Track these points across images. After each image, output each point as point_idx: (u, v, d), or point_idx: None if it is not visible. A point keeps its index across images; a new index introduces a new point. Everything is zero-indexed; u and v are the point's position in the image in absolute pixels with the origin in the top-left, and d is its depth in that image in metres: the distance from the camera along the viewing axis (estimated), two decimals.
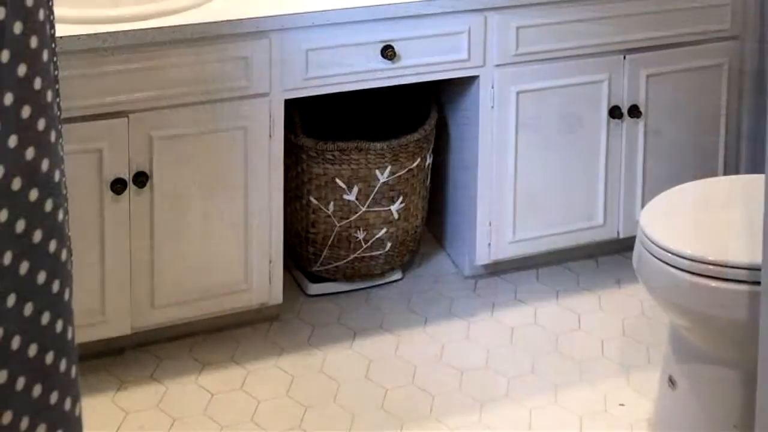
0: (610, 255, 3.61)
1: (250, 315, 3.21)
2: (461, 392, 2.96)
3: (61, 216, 1.38)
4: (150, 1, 3.09)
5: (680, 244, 2.51)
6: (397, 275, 3.48)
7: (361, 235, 3.29)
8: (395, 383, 2.99)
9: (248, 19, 2.96)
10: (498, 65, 3.27)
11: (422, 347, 3.15)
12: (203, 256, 3.03)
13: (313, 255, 3.33)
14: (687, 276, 2.48)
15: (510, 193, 3.35)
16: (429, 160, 3.41)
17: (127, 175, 2.90)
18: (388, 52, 3.11)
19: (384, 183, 3.27)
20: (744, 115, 3.57)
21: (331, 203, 3.26)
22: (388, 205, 3.30)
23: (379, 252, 3.33)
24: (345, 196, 3.25)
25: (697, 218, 2.68)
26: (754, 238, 2.38)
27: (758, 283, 2.23)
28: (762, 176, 2.16)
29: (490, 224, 3.35)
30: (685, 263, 2.48)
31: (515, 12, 3.25)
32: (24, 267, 1.30)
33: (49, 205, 1.34)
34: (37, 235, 1.32)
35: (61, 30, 2.71)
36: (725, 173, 3.56)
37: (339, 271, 3.35)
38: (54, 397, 1.35)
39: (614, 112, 3.40)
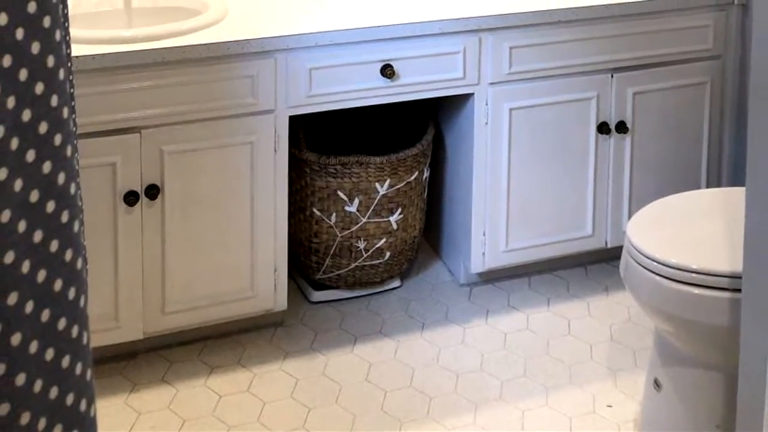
0: (598, 264, 3.61)
1: (256, 321, 3.21)
2: (457, 394, 2.96)
3: (76, 226, 1.38)
4: (161, 22, 3.10)
5: (665, 254, 2.51)
6: (396, 283, 3.48)
7: (361, 245, 3.29)
8: (394, 386, 2.99)
9: (255, 39, 2.97)
10: (492, 83, 3.27)
11: (420, 351, 3.15)
12: (212, 264, 3.03)
13: (316, 264, 3.33)
14: (672, 284, 2.48)
15: (503, 205, 3.35)
16: (426, 174, 3.41)
17: (139, 188, 2.90)
18: (387, 70, 3.12)
19: (383, 195, 3.27)
20: (726, 130, 3.58)
21: (334, 214, 3.26)
22: (388, 217, 3.30)
23: (378, 261, 3.33)
24: (346, 208, 3.25)
25: (682, 229, 2.68)
26: (736, 247, 2.38)
27: (739, 290, 2.23)
28: (742, 189, 2.16)
29: (484, 234, 3.35)
30: (670, 271, 2.48)
31: (508, 33, 3.25)
32: (41, 275, 1.30)
33: (65, 216, 1.34)
34: (54, 245, 1.32)
35: (76, 50, 2.74)
36: (708, 186, 3.57)
37: (341, 279, 3.35)
38: (70, 399, 1.35)
39: (602, 128, 3.40)
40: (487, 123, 3.29)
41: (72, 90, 1.49)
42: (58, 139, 1.33)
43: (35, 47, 1.30)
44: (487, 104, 3.28)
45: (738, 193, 2.69)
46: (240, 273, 3.07)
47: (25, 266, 1.26)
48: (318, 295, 3.39)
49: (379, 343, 3.19)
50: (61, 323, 1.34)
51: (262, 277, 3.09)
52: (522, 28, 3.27)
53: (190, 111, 2.94)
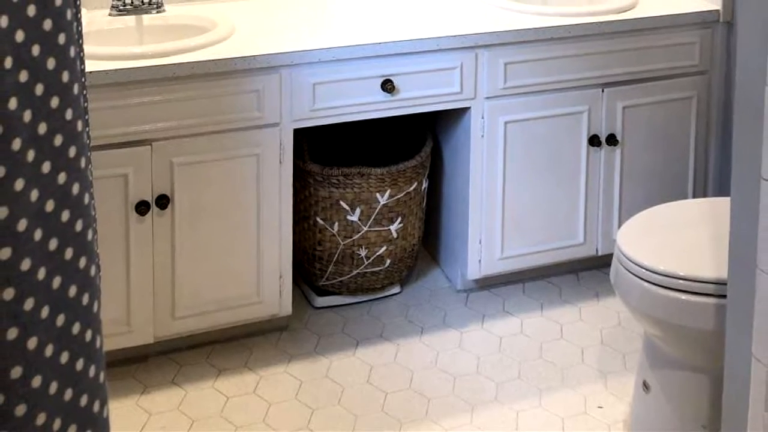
0: (589, 270, 3.61)
1: (262, 325, 3.21)
2: (454, 396, 2.96)
3: (90, 235, 1.38)
4: (171, 39, 3.10)
5: (654, 261, 2.51)
6: (396, 289, 3.47)
7: (363, 253, 3.29)
8: (394, 387, 2.99)
9: (260, 55, 2.97)
10: (488, 98, 3.27)
11: (419, 355, 3.15)
12: (219, 271, 3.03)
13: (320, 270, 3.33)
14: (660, 290, 2.48)
15: (498, 214, 3.35)
16: (425, 184, 3.41)
17: (150, 198, 2.90)
18: (387, 85, 3.12)
19: (384, 205, 3.27)
20: (711, 143, 3.57)
21: (336, 223, 3.26)
22: (388, 225, 3.30)
23: (379, 268, 3.33)
24: (348, 217, 3.25)
25: (669, 237, 2.68)
26: (721, 255, 2.38)
27: (724, 296, 2.23)
28: (727, 199, 2.16)
29: (480, 242, 3.35)
30: (658, 278, 2.48)
31: (503, 49, 3.25)
32: (57, 281, 1.30)
33: (79, 225, 1.35)
34: (69, 253, 1.33)
35: (90, 65, 2.74)
36: (694, 196, 3.56)
37: (343, 286, 3.35)
38: (84, 400, 1.35)
39: (593, 141, 3.40)
40: (483, 136, 3.29)
41: (86, 104, 1.49)
42: (72, 151, 1.34)
43: (51, 63, 1.30)
44: (483, 118, 3.28)
45: (723, 203, 2.69)
46: (246, 279, 3.07)
47: (41, 273, 1.27)
48: (321, 301, 3.38)
49: (379, 346, 3.19)
50: (76, 328, 1.34)
51: (268, 283, 3.09)
52: (516, 45, 3.27)
53: (199, 124, 2.94)
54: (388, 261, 3.34)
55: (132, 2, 3.25)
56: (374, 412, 2.88)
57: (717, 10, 3.50)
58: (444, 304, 3.42)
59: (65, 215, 1.32)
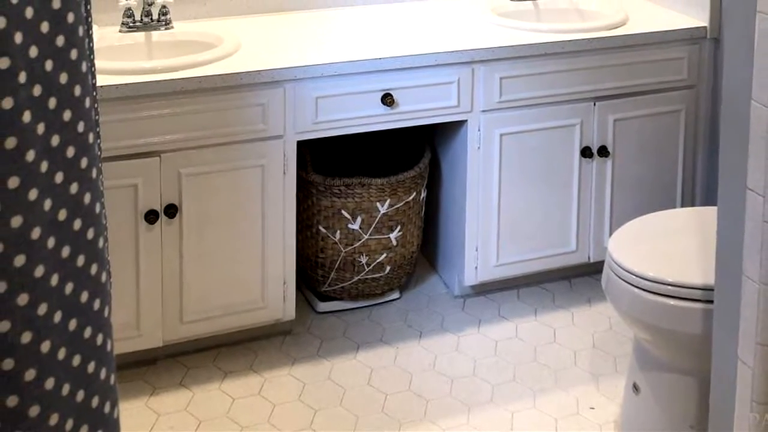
0: (581, 277, 3.61)
1: (266, 329, 3.21)
2: (451, 397, 2.96)
3: (101, 243, 1.38)
4: (179, 54, 3.11)
5: (643, 268, 2.51)
6: (396, 295, 3.47)
7: (364, 260, 3.29)
8: (394, 389, 2.99)
9: (265, 70, 2.97)
10: (484, 111, 3.28)
11: (417, 358, 3.15)
12: (226, 277, 3.03)
13: (322, 277, 3.33)
14: (649, 295, 2.48)
15: (494, 223, 3.35)
16: (423, 194, 3.41)
17: (159, 207, 2.90)
18: (387, 99, 3.12)
19: (384, 214, 3.27)
20: (699, 154, 3.58)
21: (338, 232, 3.26)
22: (388, 234, 3.30)
23: (379, 274, 3.33)
24: (350, 226, 3.25)
25: (658, 245, 2.68)
26: (708, 262, 2.39)
27: (711, 301, 2.24)
28: (714, 208, 2.16)
29: (476, 250, 3.35)
30: (648, 284, 2.48)
31: (499, 64, 3.26)
32: (69, 287, 1.30)
33: (90, 234, 1.35)
34: (81, 260, 1.33)
35: (101, 80, 2.75)
36: (682, 205, 3.56)
37: (344, 291, 3.35)
38: (95, 401, 1.36)
39: (585, 152, 3.41)
40: (479, 147, 3.30)
41: (97, 117, 1.49)
42: (84, 162, 1.34)
43: (63, 78, 1.31)
44: (479, 130, 3.28)
45: (710, 212, 2.69)
46: (251, 285, 3.07)
47: (54, 279, 1.27)
48: (323, 306, 3.38)
49: (379, 350, 3.19)
50: (87, 332, 1.34)
51: (272, 289, 3.09)
52: (511, 60, 3.27)
53: (206, 136, 2.94)
54: (388, 268, 3.34)
55: (141, 19, 3.25)
56: (374, 413, 2.88)
57: (704, 27, 3.50)
58: (442, 309, 3.42)
59: (77, 224, 1.32)
